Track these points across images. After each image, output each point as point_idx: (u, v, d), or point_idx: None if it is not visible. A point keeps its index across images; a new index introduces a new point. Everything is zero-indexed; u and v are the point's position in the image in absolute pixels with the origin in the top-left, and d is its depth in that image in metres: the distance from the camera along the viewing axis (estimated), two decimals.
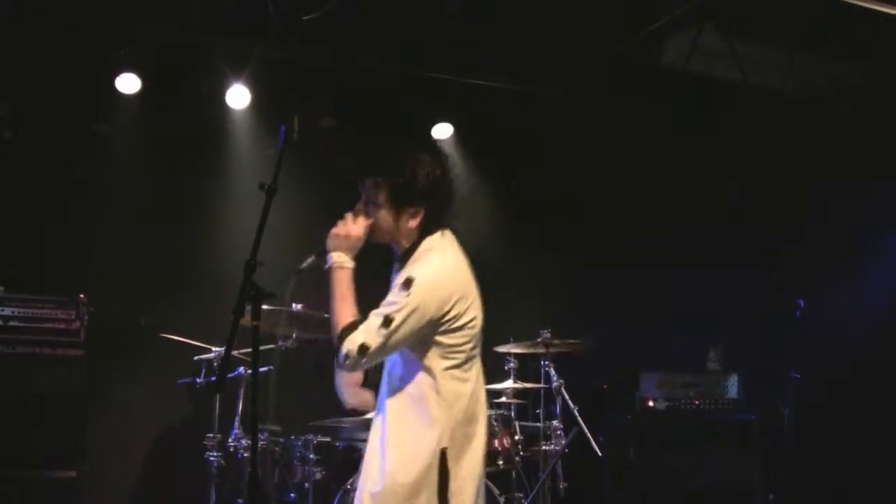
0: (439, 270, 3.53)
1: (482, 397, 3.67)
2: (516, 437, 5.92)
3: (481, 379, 3.68)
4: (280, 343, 5.87)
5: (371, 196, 3.62)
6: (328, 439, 5.67)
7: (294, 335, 5.82)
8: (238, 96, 6.85)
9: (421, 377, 3.51)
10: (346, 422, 5.88)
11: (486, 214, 7.80)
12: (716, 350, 7.64)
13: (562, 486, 6.04)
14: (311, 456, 5.49)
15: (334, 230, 3.62)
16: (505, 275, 7.68)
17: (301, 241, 6.88)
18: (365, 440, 5.90)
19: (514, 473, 6.00)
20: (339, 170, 7.41)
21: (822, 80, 6.97)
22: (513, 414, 6.04)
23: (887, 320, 7.08)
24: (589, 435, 5.93)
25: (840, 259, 7.29)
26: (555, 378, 6.11)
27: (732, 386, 7.20)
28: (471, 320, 3.56)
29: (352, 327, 3.46)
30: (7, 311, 5.83)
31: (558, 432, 6.05)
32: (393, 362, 3.61)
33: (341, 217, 3.65)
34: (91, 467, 6.18)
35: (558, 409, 6.10)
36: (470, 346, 3.58)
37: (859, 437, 7.11)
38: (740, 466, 6.95)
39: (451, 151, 7.71)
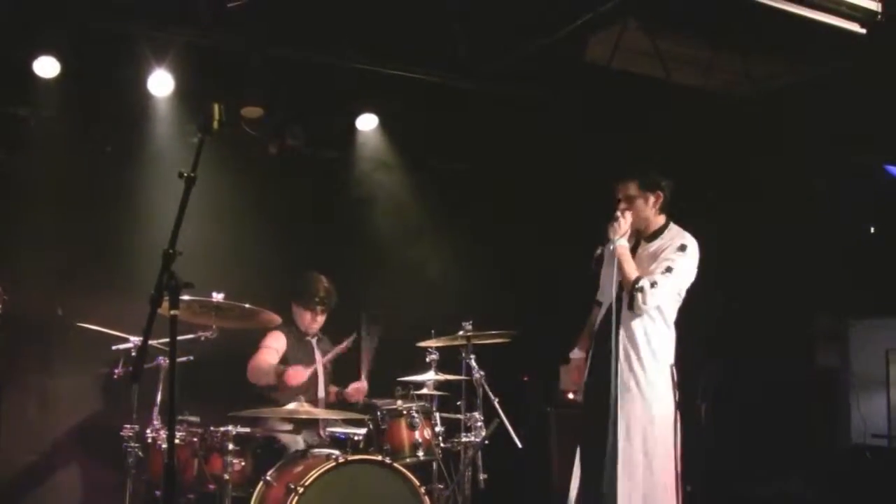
0: (696, 244, 5.27)
1: None
2: (437, 429, 5.95)
3: None
4: (200, 333, 5.84)
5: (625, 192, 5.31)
6: (248, 430, 5.63)
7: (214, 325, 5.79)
8: (161, 83, 6.74)
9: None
10: (266, 412, 5.85)
11: (409, 206, 7.81)
12: None
13: (482, 477, 6.07)
14: (231, 447, 5.45)
15: (613, 226, 5.21)
16: (429, 266, 7.72)
17: (221, 230, 6.94)
18: (283, 431, 5.95)
19: (434, 465, 6.02)
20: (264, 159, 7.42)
21: (743, 80, 7.06)
22: (434, 406, 6.06)
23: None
24: (509, 426, 5.96)
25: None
26: (476, 370, 6.12)
27: None
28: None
29: (640, 278, 5.11)
30: None
31: (479, 424, 6.08)
32: None
33: (614, 219, 5.23)
34: (4, 458, 6.08)
35: (479, 401, 6.13)
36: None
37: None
38: None
39: (376, 142, 7.70)
